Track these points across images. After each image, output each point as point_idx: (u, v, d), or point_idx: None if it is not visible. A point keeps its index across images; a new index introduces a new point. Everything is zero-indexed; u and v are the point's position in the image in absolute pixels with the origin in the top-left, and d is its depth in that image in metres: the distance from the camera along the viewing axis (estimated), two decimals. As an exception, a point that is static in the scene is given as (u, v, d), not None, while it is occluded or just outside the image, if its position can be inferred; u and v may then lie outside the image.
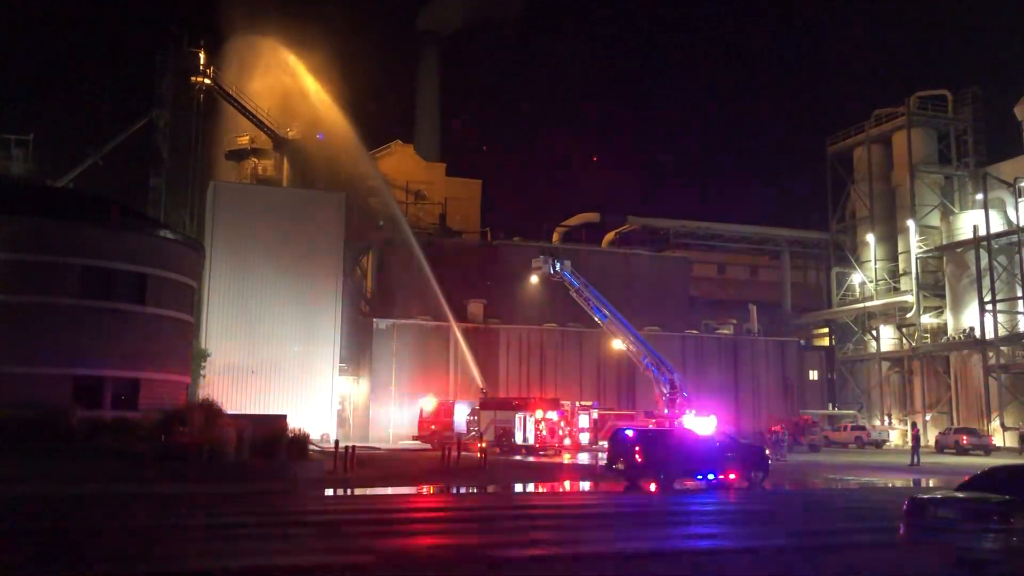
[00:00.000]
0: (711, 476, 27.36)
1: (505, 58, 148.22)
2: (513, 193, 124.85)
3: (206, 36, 61.99)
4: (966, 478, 13.91)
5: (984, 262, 63.59)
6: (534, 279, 52.29)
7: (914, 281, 70.49)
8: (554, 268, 48.74)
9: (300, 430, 29.94)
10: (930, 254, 70.65)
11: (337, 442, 31.46)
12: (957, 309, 67.68)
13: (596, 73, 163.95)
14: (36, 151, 55.39)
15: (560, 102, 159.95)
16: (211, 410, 28.93)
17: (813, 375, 75.60)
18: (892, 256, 75.84)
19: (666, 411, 46.72)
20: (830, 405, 74.49)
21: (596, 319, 49.42)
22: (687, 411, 46.32)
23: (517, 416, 45.26)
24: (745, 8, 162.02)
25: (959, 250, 67.20)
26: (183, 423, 27.32)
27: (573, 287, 48.78)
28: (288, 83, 63.61)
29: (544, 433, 44.86)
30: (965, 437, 54.27)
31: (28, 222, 29.86)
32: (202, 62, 60.61)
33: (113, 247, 30.80)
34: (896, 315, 73.27)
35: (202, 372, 46.41)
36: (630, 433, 28.03)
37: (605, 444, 34.95)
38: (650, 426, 43.87)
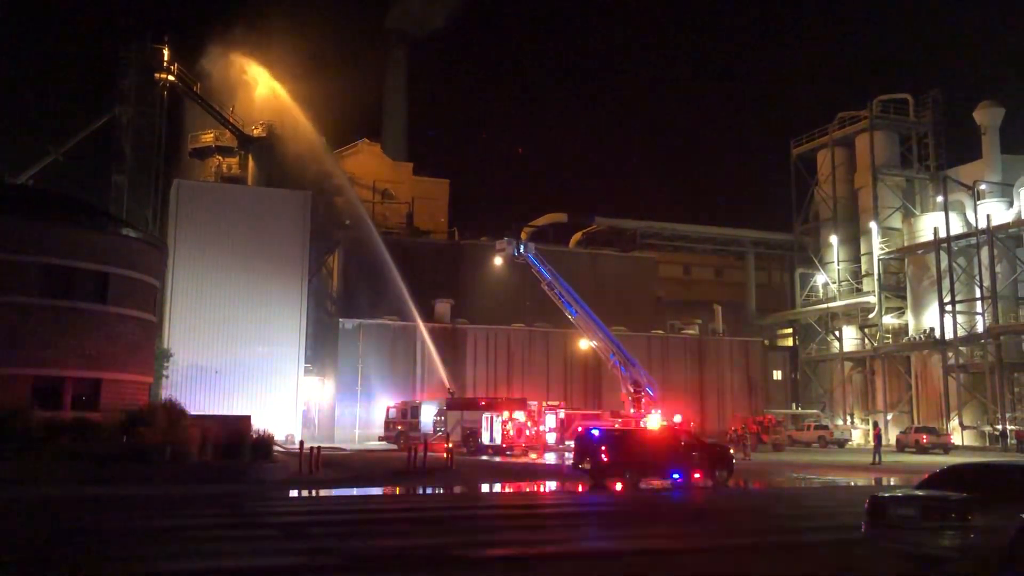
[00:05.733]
0: (676, 475, 27.52)
1: (473, 58, 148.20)
2: (481, 193, 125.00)
3: (171, 33, 61.32)
4: (926, 476, 14.10)
5: (944, 264, 64.59)
6: (498, 260, 52.03)
7: (876, 282, 71.44)
8: (518, 250, 48.68)
9: (265, 431, 29.73)
10: (892, 256, 71.60)
11: (302, 443, 31.27)
12: (918, 310, 68.70)
13: (564, 76, 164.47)
14: (-6, 147, 54.46)
15: (528, 104, 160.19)
16: (174, 411, 28.59)
17: (777, 375, 76.37)
18: (855, 257, 76.78)
19: (632, 411, 46.91)
20: (794, 405, 75.29)
21: (566, 313, 49.36)
22: (653, 410, 46.50)
23: (484, 416, 45.31)
24: (710, 12, 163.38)
25: (920, 252, 68.21)
26: (145, 424, 26.97)
27: (544, 279, 48.66)
28: (254, 82, 63.09)
29: (511, 433, 44.92)
30: (925, 436, 55.10)
31: (-14, 219, 29.28)
32: (166, 58, 59.82)
33: (74, 245, 30.28)
34: (859, 316, 74.21)
35: (165, 372, 45.89)
36: (596, 433, 28.17)
37: (572, 444, 35.08)
38: (616, 426, 44.02)
